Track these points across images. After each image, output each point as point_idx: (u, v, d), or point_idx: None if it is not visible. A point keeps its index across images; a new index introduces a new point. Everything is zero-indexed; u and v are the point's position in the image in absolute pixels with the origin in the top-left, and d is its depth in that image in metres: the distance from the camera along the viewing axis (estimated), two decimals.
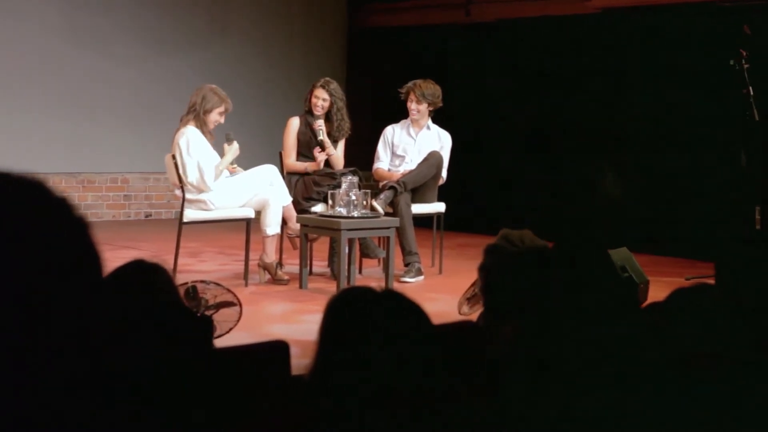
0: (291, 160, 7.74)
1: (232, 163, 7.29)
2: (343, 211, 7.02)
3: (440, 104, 7.94)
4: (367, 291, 1.90)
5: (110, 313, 1.19)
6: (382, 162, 8.03)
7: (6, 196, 1.11)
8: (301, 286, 7.13)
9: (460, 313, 4.86)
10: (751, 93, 7.26)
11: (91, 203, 10.52)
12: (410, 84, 7.90)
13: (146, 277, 2.28)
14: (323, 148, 7.63)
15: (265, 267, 7.34)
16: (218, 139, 7.33)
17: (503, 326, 2.49)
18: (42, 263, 1.09)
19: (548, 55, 10.08)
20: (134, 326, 2.06)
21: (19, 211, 1.10)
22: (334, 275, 7.34)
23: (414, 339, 1.82)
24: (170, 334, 2.19)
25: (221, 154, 7.25)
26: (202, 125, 7.12)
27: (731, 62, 7.32)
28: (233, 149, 7.22)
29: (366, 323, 1.82)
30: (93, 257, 1.16)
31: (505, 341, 2.40)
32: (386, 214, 7.45)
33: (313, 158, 7.73)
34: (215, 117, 7.15)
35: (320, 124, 7.66)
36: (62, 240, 1.12)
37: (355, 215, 7.01)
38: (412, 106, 7.89)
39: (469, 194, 10.16)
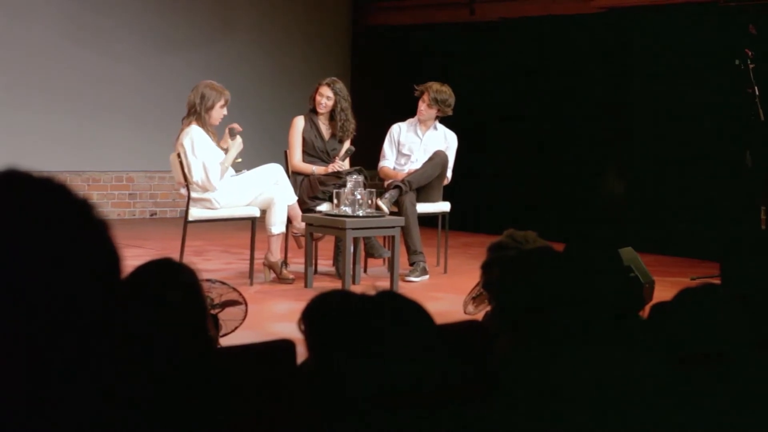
0: (296, 160, 7.75)
1: (236, 158, 7.29)
2: (349, 210, 7.02)
3: (449, 113, 7.92)
4: (349, 294, 1.90)
5: (125, 314, 1.20)
6: (388, 160, 8.03)
7: (28, 197, 1.12)
8: (306, 285, 7.14)
9: (465, 312, 4.86)
10: (757, 92, 7.25)
11: (96, 202, 10.51)
12: (427, 84, 7.89)
13: (165, 277, 2.28)
14: (341, 160, 7.69)
15: (270, 266, 7.35)
16: (221, 134, 7.34)
17: (499, 338, 2.49)
18: (62, 264, 1.10)
19: (552, 54, 10.07)
20: (145, 328, 2.06)
21: (40, 211, 1.11)
22: (339, 274, 7.34)
23: (414, 339, 1.82)
24: (177, 336, 2.20)
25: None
26: (204, 124, 7.12)
27: (736, 62, 7.30)
28: (236, 144, 7.23)
29: (366, 325, 1.82)
30: (113, 258, 1.16)
31: (500, 353, 2.40)
32: (391, 213, 7.45)
33: (318, 158, 7.74)
34: (218, 111, 7.14)
35: (351, 150, 7.74)
36: (83, 240, 1.13)
37: (361, 214, 7.01)
38: (422, 106, 7.89)
39: (474, 194, 10.16)
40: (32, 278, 1.08)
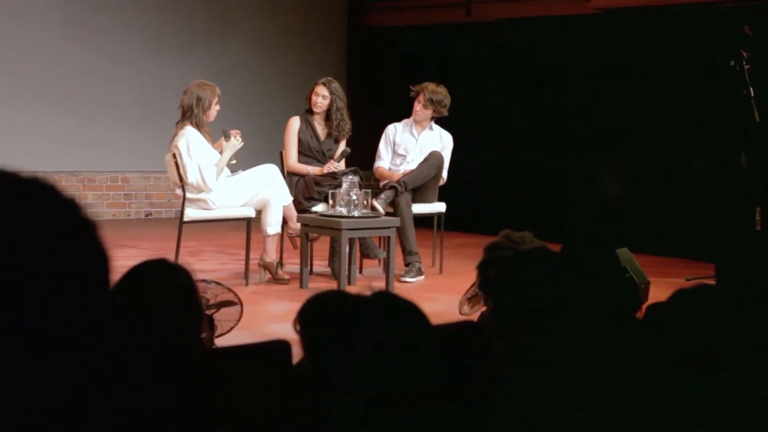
0: (292, 160, 7.75)
1: (231, 159, 7.29)
2: (344, 211, 7.02)
3: (445, 114, 7.92)
4: (344, 295, 1.90)
5: (115, 315, 1.20)
6: (383, 161, 8.03)
7: (15, 197, 1.11)
8: (301, 286, 7.14)
9: (460, 312, 4.86)
10: (752, 93, 7.26)
11: (91, 202, 10.53)
12: (423, 84, 7.89)
13: (160, 278, 2.28)
14: (337, 161, 7.71)
15: (265, 266, 7.35)
16: (215, 134, 7.34)
17: (495, 339, 2.49)
18: (49, 265, 1.09)
19: (549, 55, 10.08)
20: (139, 328, 2.06)
21: (27, 212, 1.11)
22: (335, 275, 7.34)
23: (410, 339, 1.82)
24: (172, 336, 2.19)
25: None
26: (200, 126, 7.12)
27: (732, 63, 7.31)
28: (231, 145, 7.23)
29: (362, 326, 1.82)
30: (101, 259, 1.16)
31: (497, 354, 2.40)
32: (387, 213, 7.45)
33: (314, 158, 7.74)
34: (214, 109, 7.18)
35: (347, 151, 7.75)
36: (70, 241, 1.12)
37: (356, 215, 7.01)
38: (418, 107, 7.89)
39: (470, 194, 10.16)
40: (18, 280, 1.07)
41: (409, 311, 1.87)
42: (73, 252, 1.13)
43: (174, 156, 7.08)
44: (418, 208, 7.79)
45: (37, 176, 1.17)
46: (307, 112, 7.80)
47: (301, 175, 7.68)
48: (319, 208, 7.55)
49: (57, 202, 1.15)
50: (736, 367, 2.14)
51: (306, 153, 7.76)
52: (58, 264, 1.10)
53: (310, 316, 1.89)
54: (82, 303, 1.11)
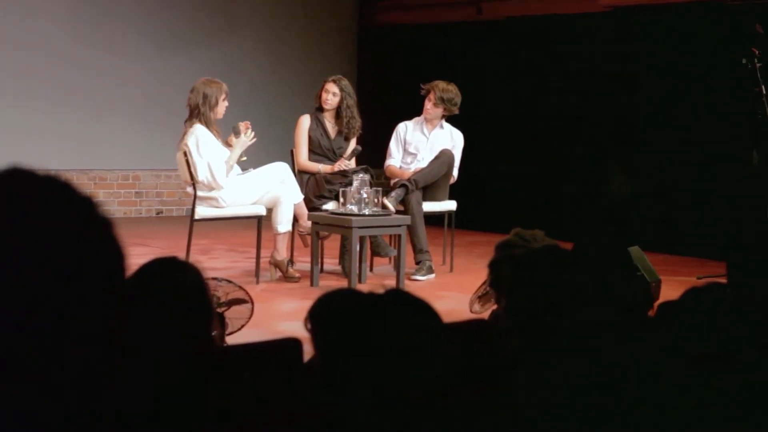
0: (303, 158, 7.75)
1: (241, 156, 7.29)
2: (355, 209, 7.02)
3: (456, 112, 7.91)
4: (356, 293, 1.90)
5: (129, 313, 1.20)
6: (394, 159, 8.03)
7: (31, 195, 1.12)
8: (312, 284, 7.14)
9: (471, 311, 4.86)
10: (764, 91, 7.24)
11: (102, 200, 10.51)
12: (434, 83, 7.89)
13: (170, 276, 2.28)
14: (347, 159, 7.71)
15: (276, 264, 7.35)
16: (225, 131, 7.35)
17: (508, 337, 2.48)
18: (66, 262, 1.10)
19: (558, 53, 10.06)
20: (150, 326, 2.06)
21: (43, 210, 1.11)
22: (345, 273, 7.34)
23: (423, 338, 1.82)
24: (183, 335, 2.20)
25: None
26: (209, 123, 7.13)
27: (743, 61, 7.30)
28: (240, 142, 7.24)
29: (374, 323, 1.81)
30: (117, 256, 1.16)
31: (509, 352, 2.39)
32: (397, 212, 7.45)
33: (324, 156, 7.74)
34: (222, 106, 7.18)
35: (358, 149, 7.76)
36: (86, 239, 1.13)
37: (367, 213, 7.01)
38: (429, 105, 7.89)
39: (480, 193, 10.16)
40: (35, 278, 1.07)
41: (423, 310, 1.87)
42: (88, 249, 1.13)
43: (185, 154, 7.09)
44: (429, 207, 7.79)
45: (52, 174, 1.17)
46: (318, 110, 7.80)
47: (312, 174, 7.69)
48: (330, 206, 7.55)
49: (72, 199, 1.16)
50: (747, 365, 2.14)
51: (317, 151, 7.77)
52: (74, 261, 1.11)
53: (320, 315, 1.89)
54: (97, 300, 1.12)
